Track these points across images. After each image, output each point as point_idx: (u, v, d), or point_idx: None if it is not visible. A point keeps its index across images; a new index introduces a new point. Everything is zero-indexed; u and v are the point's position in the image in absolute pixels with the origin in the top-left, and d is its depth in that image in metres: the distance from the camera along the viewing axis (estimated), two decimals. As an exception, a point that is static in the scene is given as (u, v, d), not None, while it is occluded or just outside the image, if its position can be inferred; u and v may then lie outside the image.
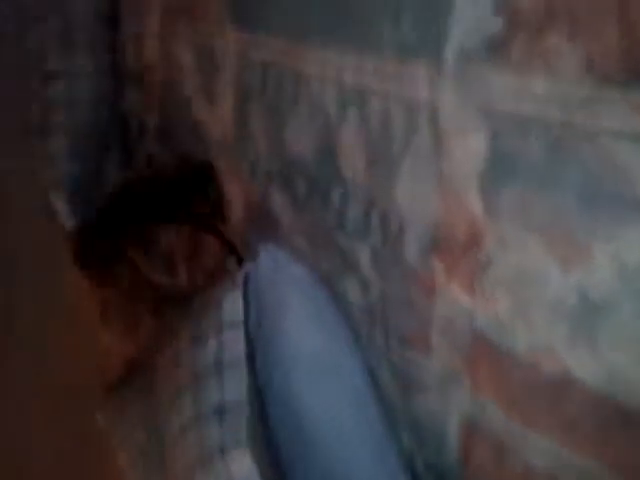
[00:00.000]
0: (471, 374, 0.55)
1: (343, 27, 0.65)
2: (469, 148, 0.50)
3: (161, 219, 1.07)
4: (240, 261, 0.97)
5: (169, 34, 1.00)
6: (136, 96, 1.09)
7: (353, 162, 0.67)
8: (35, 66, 1.04)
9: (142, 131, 1.11)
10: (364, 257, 0.66)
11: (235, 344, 0.71)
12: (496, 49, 0.47)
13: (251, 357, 0.72)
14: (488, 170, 0.49)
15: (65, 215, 1.11)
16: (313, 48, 0.70)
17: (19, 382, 1.51)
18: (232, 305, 0.73)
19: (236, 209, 0.97)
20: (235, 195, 0.96)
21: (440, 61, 0.52)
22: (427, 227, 0.56)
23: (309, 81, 0.71)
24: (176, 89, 1.01)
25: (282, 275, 0.74)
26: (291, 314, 0.71)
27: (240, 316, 0.72)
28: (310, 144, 0.73)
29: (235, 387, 0.69)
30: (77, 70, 1.03)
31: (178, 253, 1.16)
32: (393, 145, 0.60)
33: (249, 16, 0.83)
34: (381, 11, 0.58)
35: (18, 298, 1.47)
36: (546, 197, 0.45)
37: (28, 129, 1.08)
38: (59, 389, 1.54)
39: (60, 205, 1.10)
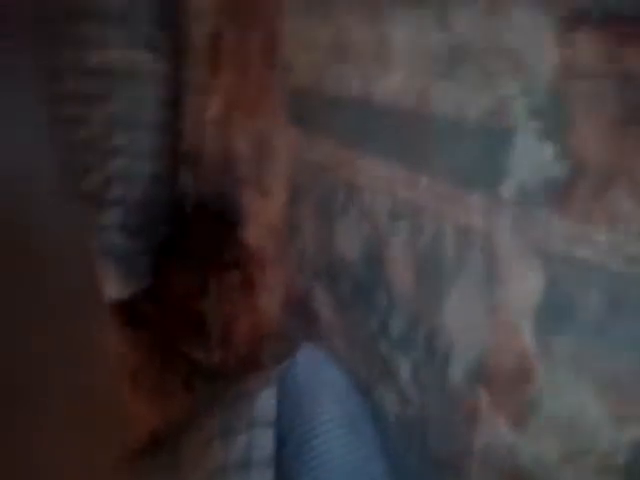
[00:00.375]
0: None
1: (397, 143, 0.67)
2: (525, 284, 0.50)
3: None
4: (272, 354, 0.97)
5: (228, 123, 1.05)
6: (190, 178, 1.13)
7: (401, 273, 0.67)
8: (99, 141, 1.09)
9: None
10: (405, 370, 0.66)
11: (264, 443, 0.70)
12: (557, 194, 0.48)
13: (280, 457, 0.71)
14: (543, 309, 0.49)
15: (112, 282, 1.14)
16: (366, 159, 0.72)
17: (48, 436, 1.51)
18: (265, 403, 0.72)
19: (274, 298, 0.98)
20: (277, 285, 0.97)
21: (497, 195, 0.53)
22: (475, 353, 0.56)
23: (360, 189, 0.73)
24: (229, 176, 1.04)
25: (319, 378, 0.74)
26: (324, 421, 0.70)
27: (272, 415, 0.71)
28: (358, 249, 0.74)
29: (262, 488, 0.68)
30: (138, 148, 1.08)
31: (214, 333, 1.17)
32: (444, 264, 0.60)
33: (306, 118, 0.86)
34: (437, 137, 0.60)
35: (53, 356, 1.49)
36: (602, 350, 0.44)
37: (84, 199, 1.12)
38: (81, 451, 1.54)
39: (108, 272, 1.13)
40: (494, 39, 0.55)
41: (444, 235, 0.59)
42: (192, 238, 1.17)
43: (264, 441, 0.69)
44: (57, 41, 1.14)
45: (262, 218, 0.99)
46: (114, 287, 1.15)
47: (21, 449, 1.50)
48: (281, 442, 0.71)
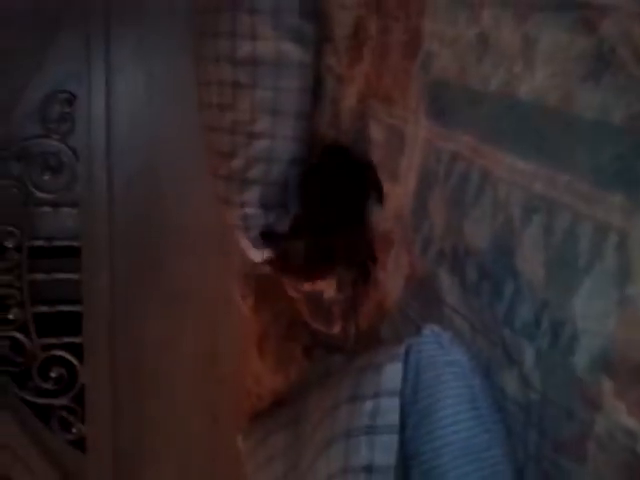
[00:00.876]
0: (627, 495, 0.56)
1: (538, 140, 0.69)
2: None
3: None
4: (393, 331, 1.03)
5: (364, 111, 1.10)
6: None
7: (531, 263, 0.70)
8: (242, 126, 1.18)
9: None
10: (529, 356, 0.69)
11: (390, 411, 0.76)
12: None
13: (402, 427, 0.77)
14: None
15: (249, 251, 1.25)
16: (504, 152, 0.75)
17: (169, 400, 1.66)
18: (392, 375, 0.78)
19: (397, 279, 1.04)
20: (400, 266, 1.02)
21: (636, 196, 0.55)
22: (602, 344, 0.59)
23: (496, 181, 0.77)
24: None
25: (443, 357, 0.79)
26: (447, 397, 0.76)
27: (398, 386, 0.77)
28: (488, 237, 0.78)
29: (385, 452, 0.74)
30: (280, 133, 1.16)
31: (336, 308, 1.24)
32: (577, 259, 0.63)
33: (445, 109, 0.90)
34: (580, 137, 0.62)
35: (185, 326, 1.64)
36: None
37: (227, 178, 1.22)
38: (203, 404, 1.68)
39: (245, 243, 1.24)
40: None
41: (579, 230, 0.62)
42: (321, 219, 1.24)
43: (390, 408, 0.75)
44: (209, 31, 1.24)
45: (391, 202, 1.05)
46: (250, 255, 1.25)
47: (150, 411, 1.66)
48: (404, 413, 0.77)
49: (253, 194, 1.18)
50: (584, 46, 0.63)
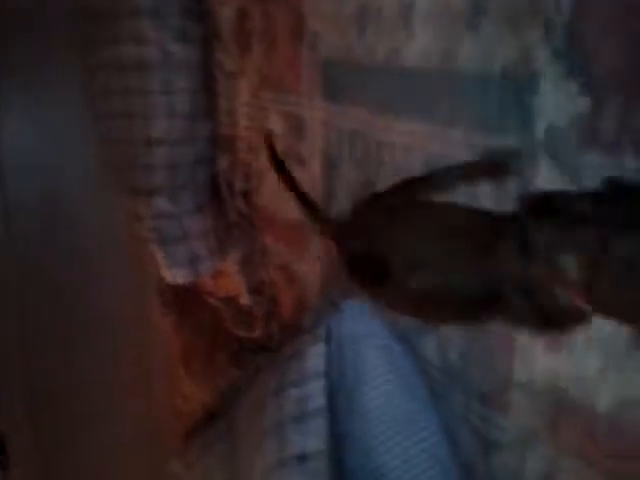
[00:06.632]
0: (551, 432, 0.57)
1: (427, 102, 0.70)
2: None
3: None
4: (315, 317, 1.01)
5: (260, 103, 1.09)
6: (227, 161, 1.17)
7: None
8: (139, 134, 1.14)
9: (231, 192, 1.19)
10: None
11: (317, 395, 0.74)
12: (585, 128, 0.51)
13: (332, 407, 0.75)
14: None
15: (165, 270, 1.20)
16: (397, 120, 0.75)
17: (100, 424, 1.58)
18: (315, 357, 0.77)
19: (323, 266, 1.02)
20: (317, 255, 1.01)
21: (530, 137, 0.56)
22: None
23: (393, 149, 0.77)
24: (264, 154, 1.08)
25: (363, 330, 0.78)
26: (370, 370, 0.74)
27: (322, 368, 0.75)
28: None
29: (316, 437, 0.72)
30: (178, 137, 1.12)
31: (257, 310, 1.21)
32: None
33: (337, 87, 0.90)
34: (467, 91, 0.63)
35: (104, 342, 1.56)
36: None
37: (130, 191, 1.17)
38: (136, 434, 1.61)
39: (160, 258, 1.19)
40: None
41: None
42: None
43: (316, 392, 0.73)
44: (93, 40, 1.20)
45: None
46: (168, 273, 1.20)
47: (82, 448, 1.58)
48: (332, 395, 0.75)
49: (161, 204, 1.13)
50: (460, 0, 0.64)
